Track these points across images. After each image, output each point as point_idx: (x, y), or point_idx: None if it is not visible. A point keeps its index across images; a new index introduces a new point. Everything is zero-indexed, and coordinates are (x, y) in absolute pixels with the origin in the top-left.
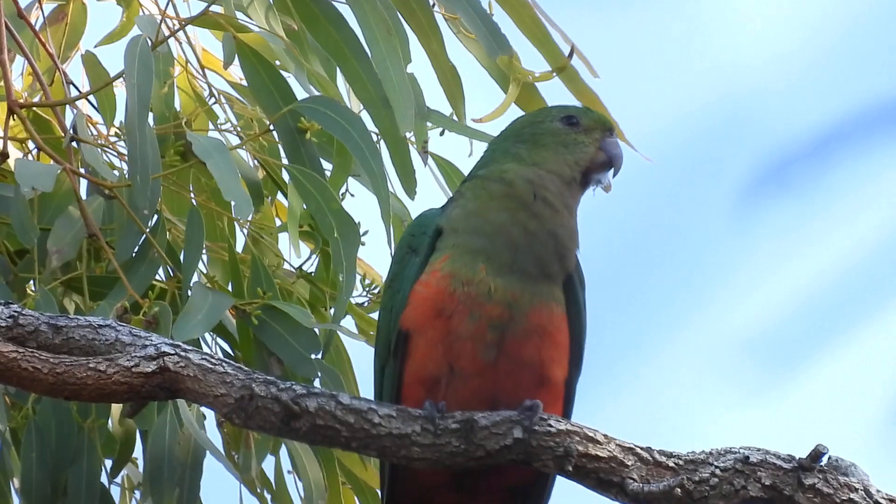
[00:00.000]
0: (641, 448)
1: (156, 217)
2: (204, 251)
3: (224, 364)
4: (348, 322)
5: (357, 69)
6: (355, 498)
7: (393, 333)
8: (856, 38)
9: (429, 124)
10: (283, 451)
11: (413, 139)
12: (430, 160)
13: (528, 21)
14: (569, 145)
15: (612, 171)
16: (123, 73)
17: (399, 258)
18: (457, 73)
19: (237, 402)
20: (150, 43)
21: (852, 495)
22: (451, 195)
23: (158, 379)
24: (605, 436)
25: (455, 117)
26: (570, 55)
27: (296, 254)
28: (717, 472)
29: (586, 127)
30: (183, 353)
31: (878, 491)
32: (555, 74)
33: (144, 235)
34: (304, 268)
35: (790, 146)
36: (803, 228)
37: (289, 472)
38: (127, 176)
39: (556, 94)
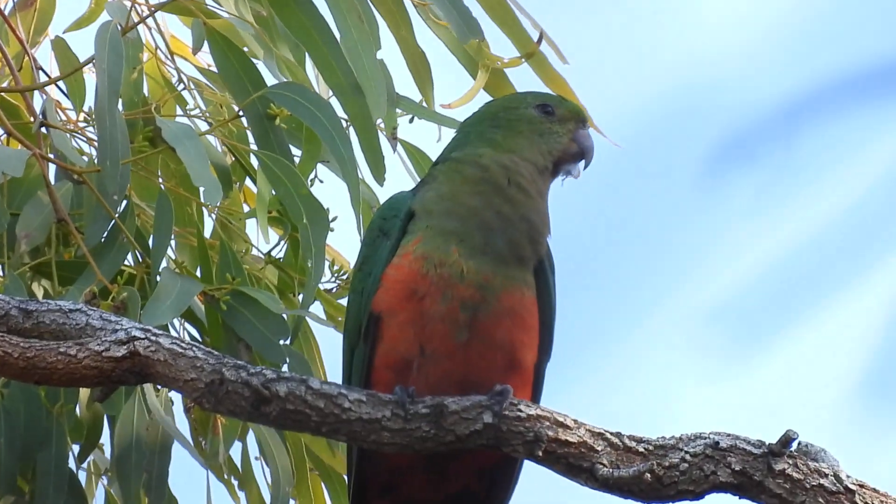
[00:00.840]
0: (611, 433)
1: (125, 202)
2: (172, 237)
3: (194, 348)
4: (317, 308)
5: (327, 55)
6: (322, 484)
7: (364, 316)
8: (821, 10)
9: (399, 111)
10: (251, 438)
11: (383, 125)
12: (398, 146)
13: (497, 7)
14: (543, 134)
15: (583, 163)
16: (93, 59)
17: (370, 241)
18: (426, 59)
19: (207, 386)
20: (119, 28)
21: (822, 481)
22: (419, 179)
23: (129, 363)
24: (575, 421)
25: (424, 103)
26: (539, 41)
27: (265, 239)
28: (687, 457)
29: (561, 117)
30: (153, 338)
31: (847, 476)
32: (524, 60)
33: (113, 220)
34: (273, 253)
35: (754, 119)
36: (769, 201)
37: (256, 458)
38: (96, 161)
39: (525, 80)
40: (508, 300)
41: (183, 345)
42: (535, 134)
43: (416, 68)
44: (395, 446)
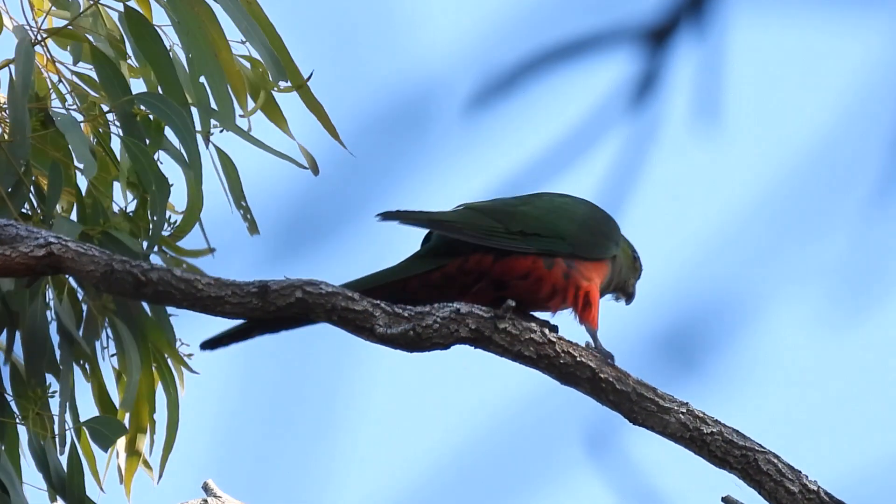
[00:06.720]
0: (385, 304)
1: (25, 165)
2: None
3: (93, 249)
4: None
5: (168, 76)
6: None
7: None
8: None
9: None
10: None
11: (199, 129)
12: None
13: (279, 46)
14: (635, 272)
15: (624, 300)
16: (11, 62)
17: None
18: (244, 80)
19: (102, 275)
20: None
21: (532, 335)
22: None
23: (47, 260)
24: (360, 295)
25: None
26: (310, 77)
27: (124, 199)
28: (438, 320)
29: (638, 267)
30: (64, 242)
31: (550, 332)
32: (295, 90)
33: (18, 177)
34: (128, 209)
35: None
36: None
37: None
38: (7, 136)
39: (289, 102)
40: None
41: (84, 247)
42: (632, 270)
43: (236, 88)
44: (235, 314)
